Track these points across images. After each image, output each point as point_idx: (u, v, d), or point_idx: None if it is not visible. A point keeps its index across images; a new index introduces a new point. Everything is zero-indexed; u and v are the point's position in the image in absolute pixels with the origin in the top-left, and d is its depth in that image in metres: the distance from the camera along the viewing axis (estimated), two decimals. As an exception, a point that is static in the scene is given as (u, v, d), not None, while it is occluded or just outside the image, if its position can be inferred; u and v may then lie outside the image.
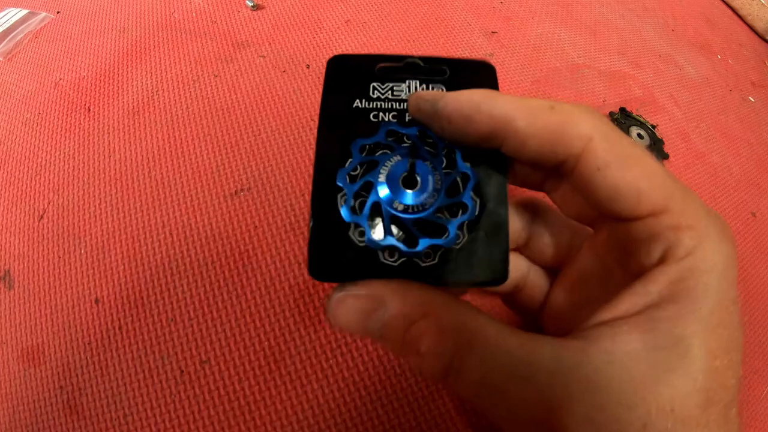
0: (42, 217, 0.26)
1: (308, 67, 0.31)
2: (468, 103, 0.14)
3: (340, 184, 0.15)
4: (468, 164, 0.15)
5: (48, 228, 0.26)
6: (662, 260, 0.12)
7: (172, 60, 0.31)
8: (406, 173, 0.15)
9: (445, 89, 0.16)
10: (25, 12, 0.37)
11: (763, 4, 0.52)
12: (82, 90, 0.31)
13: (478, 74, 0.17)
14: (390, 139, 0.16)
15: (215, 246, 0.24)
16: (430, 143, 0.15)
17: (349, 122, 0.16)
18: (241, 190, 0.25)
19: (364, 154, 0.15)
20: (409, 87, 0.16)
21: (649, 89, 0.38)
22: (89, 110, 0.30)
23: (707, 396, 0.11)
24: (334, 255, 0.15)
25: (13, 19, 0.36)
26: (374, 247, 0.14)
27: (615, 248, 0.14)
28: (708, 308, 0.12)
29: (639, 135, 0.33)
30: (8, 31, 0.35)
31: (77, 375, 0.22)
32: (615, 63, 0.38)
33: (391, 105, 0.16)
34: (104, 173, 0.27)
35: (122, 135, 0.28)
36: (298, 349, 0.21)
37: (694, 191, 0.13)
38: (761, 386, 0.28)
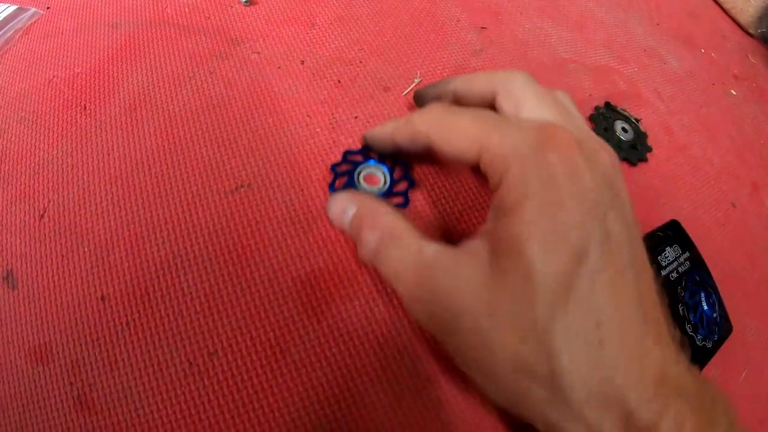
0: (43, 216, 0.26)
1: (303, 63, 0.31)
2: None
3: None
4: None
5: (49, 227, 0.26)
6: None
7: (166, 56, 0.32)
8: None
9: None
10: (14, 8, 0.36)
11: (746, -3, 0.53)
12: (76, 87, 0.31)
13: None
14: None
15: (218, 241, 0.24)
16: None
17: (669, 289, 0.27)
18: (241, 186, 0.26)
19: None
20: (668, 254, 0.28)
21: (634, 83, 0.39)
22: (85, 108, 0.30)
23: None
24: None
25: (3, 15, 0.36)
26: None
27: None
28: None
29: (623, 129, 0.34)
30: (-3, 28, 0.35)
31: (86, 371, 0.22)
32: (601, 57, 0.39)
33: (675, 268, 0.27)
34: (104, 171, 0.27)
35: (120, 132, 0.28)
36: (303, 338, 0.22)
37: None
38: (737, 372, 0.30)
